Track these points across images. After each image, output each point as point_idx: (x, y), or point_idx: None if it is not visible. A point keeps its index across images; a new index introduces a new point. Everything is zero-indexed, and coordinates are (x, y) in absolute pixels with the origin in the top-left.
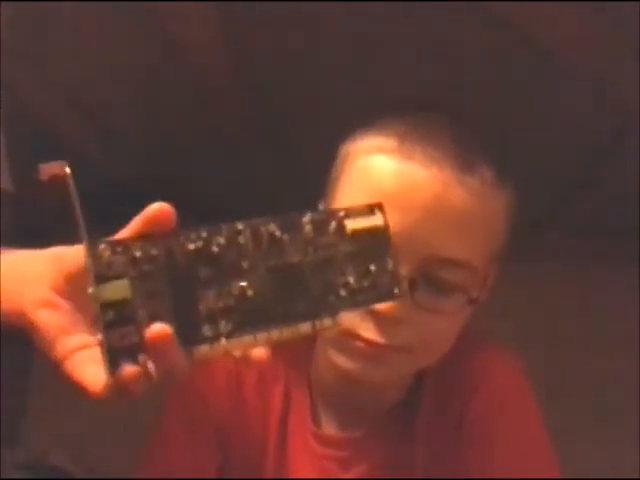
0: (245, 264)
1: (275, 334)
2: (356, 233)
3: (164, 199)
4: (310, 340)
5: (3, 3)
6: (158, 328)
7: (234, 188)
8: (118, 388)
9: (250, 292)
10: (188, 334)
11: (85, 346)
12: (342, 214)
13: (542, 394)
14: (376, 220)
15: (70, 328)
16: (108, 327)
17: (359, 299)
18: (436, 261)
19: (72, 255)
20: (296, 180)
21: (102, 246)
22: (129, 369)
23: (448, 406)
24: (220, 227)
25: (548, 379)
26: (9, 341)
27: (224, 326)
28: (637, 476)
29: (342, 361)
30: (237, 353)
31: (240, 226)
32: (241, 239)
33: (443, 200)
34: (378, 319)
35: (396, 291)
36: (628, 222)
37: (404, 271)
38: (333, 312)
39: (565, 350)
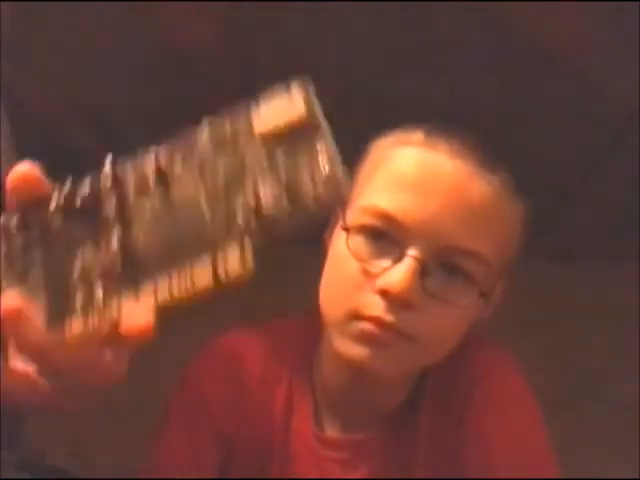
0: (127, 212)
1: (163, 290)
2: (269, 134)
3: None
4: (313, 340)
5: (3, 3)
6: (8, 302)
7: None
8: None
9: (127, 243)
10: (59, 306)
11: None
12: (250, 113)
13: (542, 394)
14: (296, 110)
15: None
16: None
17: (279, 224)
18: (451, 250)
19: None
20: None
21: None
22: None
23: (449, 407)
24: (92, 173)
25: (548, 378)
26: None
27: (98, 288)
28: (637, 476)
29: (349, 348)
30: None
31: (109, 170)
32: (113, 183)
33: (465, 191)
34: (387, 299)
35: (342, 196)
36: (628, 221)
37: (419, 255)
38: (240, 245)
39: (565, 349)
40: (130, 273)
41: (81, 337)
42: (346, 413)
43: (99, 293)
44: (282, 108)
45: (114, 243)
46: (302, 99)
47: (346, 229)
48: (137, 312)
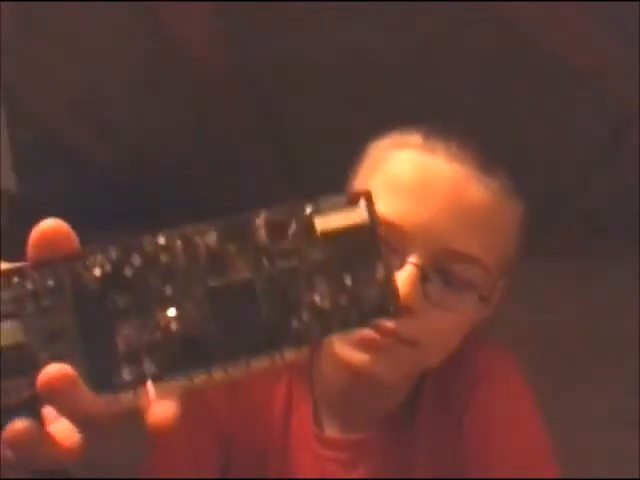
0: (173, 287)
1: (219, 374)
2: (329, 235)
3: (164, 199)
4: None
5: (3, 3)
6: (54, 369)
7: (234, 188)
8: (16, 450)
9: (181, 322)
10: (104, 379)
11: None
12: (309, 210)
13: (542, 394)
14: (358, 215)
15: None
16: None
17: (334, 322)
18: (450, 255)
19: None
20: (296, 180)
21: None
22: (18, 425)
23: (448, 407)
24: (139, 241)
25: (548, 378)
26: None
27: (149, 366)
28: (637, 476)
29: (350, 354)
30: (171, 398)
31: (162, 240)
32: (163, 257)
33: (463, 194)
34: None
35: (391, 307)
36: (628, 221)
37: (418, 262)
38: (298, 342)
39: (564, 350)
40: (177, 353)
41: (129, 409)
42: (346, 413)
43: (149, 368)
44: (345, 210)
45: (164, 318)
46: (365, 206)
47: None
48: (165, 400)
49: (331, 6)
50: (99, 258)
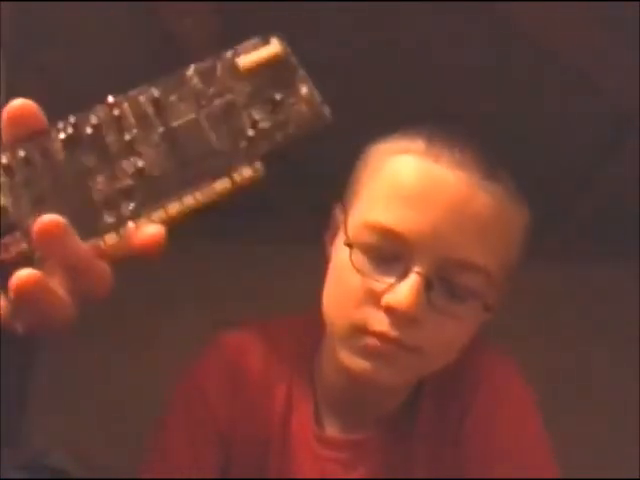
0: (130, 138)
1: (189, 200)
2: (251, 68)
3: None
4: (314, 340)
5: (3, 3)
6: (46, 217)
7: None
8: (21, 304)
9: (145, 165)
10: (87, 227)
11: None
12: (230, 54)
13: (542, 394)
14: (273, 48)
15: None
16: None
17: (276, 135)
18: (454, 263)
19: None
20: (296, 180)
21: None
22: (21, 274)
23: (448, 408)
24: (92, 107)
25: (548, 379)
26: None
27: (126, 207)
28: (637, 476)
29: (353, 361)
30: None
31: (112, 99)
32: (117, 112)
33: (467, 203)
34: (393, 315)
35: (320, 113)
36: (628, 222)
37: (422, 271)
38: (249, 158)
39: (564, 350)
40: (148, 192)
41: (116, 248)
42: (346, 413)
43: (125, 209)
44: (260, 48)
45: (129, 167)
46: (277, 40)
47: (349, 245)
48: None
49: (331, 6)
50: (61, 126)
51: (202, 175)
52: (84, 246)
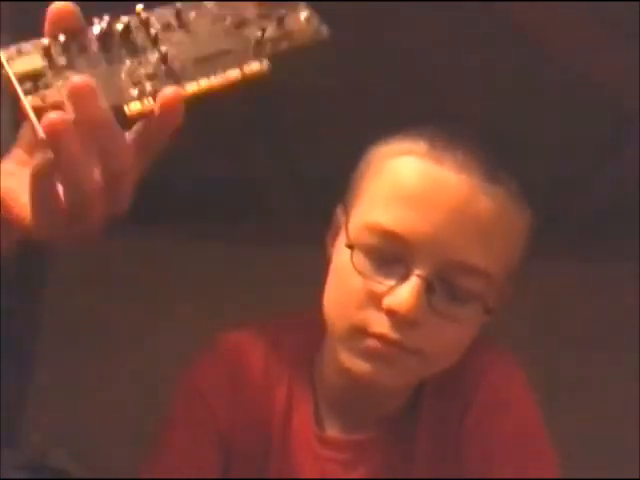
0: (154, 34)
1: (204, 82)
2: None
3: (164, 199)
4: (315, 341)
5: (3, 3)
6: (78, 78)
7: (234, 188)
8: (52, 143)
9: (168, 57)
10: (116, 96)
11: None
12: None
13: (542, 394)
14: None
15: (25, 189)
16: (27, 93)
17: (281, 42)
18: (456, 267)
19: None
20: (295, 180)
21: (12, 48)
22: (53, 115)
23: (449, 408)
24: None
25: (548, 379)
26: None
27: (150, 86)
28: (637, 476)
29: (354, 363)
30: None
31: (140, 6)
32: (144, 16)
33: (469, 206)
34: (394, 318)
35: (321, 30)
36: (628, 222)
37: (423, 273)
38: (257, 55)
39: (564, 350)
40: (170, 76)
41: (139, 114)
42: (347, 413)
43: (148, 86)
44: None
45: (154, 56)
46: None
47: (350, 246)
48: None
49: (331, 6)
50: (95, 21)
51: (216, 66)
52: (109, 110)
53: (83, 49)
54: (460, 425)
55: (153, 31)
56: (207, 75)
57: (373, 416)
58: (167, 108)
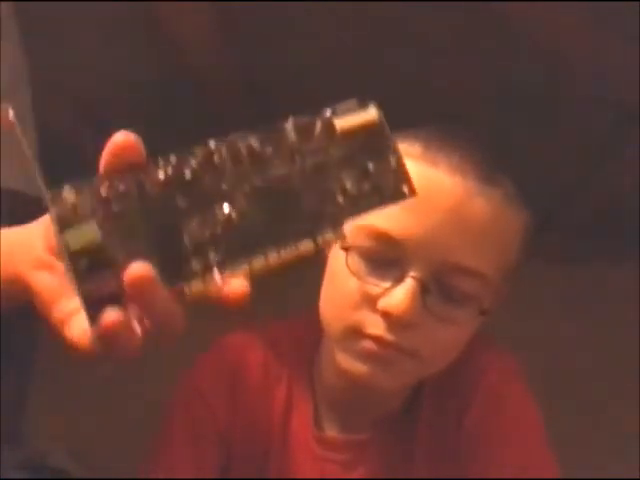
0: (226, 186)
1: (273, 257)
2: (347, 132)
3: None
4: (314, 342)
5: (3, 3)
6: (137, 268)
7: None
8: (105, 340)
9: (236, 215)
10: (175, 271)
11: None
12: (329, 114)
13: (542, 394)
14: (369, 115)
15: (66, 290)
16: (82, 276)
17: (362, 204)
18: (451, 268)
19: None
20: None
21: (65, 189)
22: (111, 315)
23: (448, 408)
24: (191, 150)
25: (548, 379)
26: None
27: (214, 256)
28: (637, 476)
29: (350, 364)
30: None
31: (213, 145)
32: (216, 159)
33: (464, 208)
34: (389, 320)
35: (405, 189)
36: (628, 222)
37: (418, 275)
38: (334, 223)
39: (564, 350)
40: (236, 242)
41: (200, 295)
42: (346, 414)
43: (212, 256)
44: (358, 112)
45: (221, 214)
46: (375, 109)
47: (345, 248)
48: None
49: (331, 6)
50: (161, 164)
51: (286, 232)
52: (168, 295)
53: (142, 198)
54: (459, 425)
55: (223, 184)
56: (277, 243)
57: (372, 416)
58: (232, 301)
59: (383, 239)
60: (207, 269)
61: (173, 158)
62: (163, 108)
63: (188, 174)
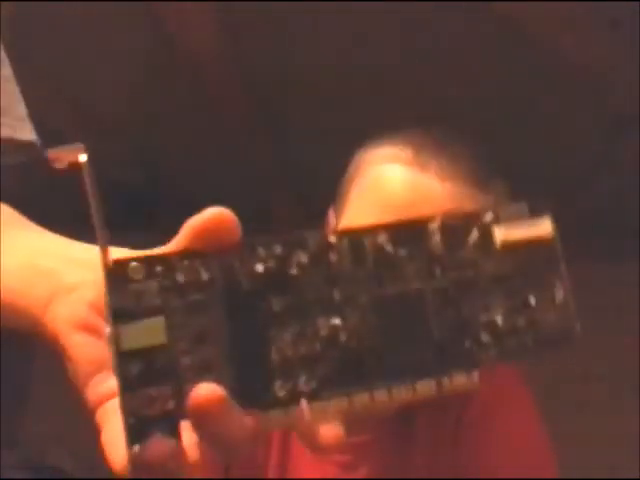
0: (338, 293)
1: (381, 395)
2: (510, 247)
3: (163, 199)
4: None
5: (3, 3)
6: (206, 390)
7: (234, 188)
8: (146, 468)
9: (345, 333)
10: (252, 393)
11: None
12: (489, 218)
13: (541, 394)
14: (542, 228)
15: (107, 363)
16: (130, 385)
17: (510, 345)
18: None
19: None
20: (295, 180)
21: (132, 265)
22: (159, 445)
23: (447, 408)
24: (303, 237)
25: (548, 379)
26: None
27: (305, 382)
28: (636, 475)
29: None
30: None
31: (333, 238)
32: (332, 256)
33: None
34: None
35: (574, 331)
36: (628, 221)
37: None
38: (469, 365)
39: (565, 352)
40: (336, 367)
41: (277, 426)
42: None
43: (304, 385)
44: (527, 221)
45: (323, 327)
46: (549, 219)
47: None
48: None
49: (331, 7)
50: (261, 252)
51: (405, 365)
52: (241, 423)
53: (231, 287)
54: (458, 425)
55: (335, 291)
56: (389, 377)
57: (372, 418)
58: (316, 449)
59: None
60: (293, 398)
61: (278, 247)
62: (163, 110)
63: (294, 271)
